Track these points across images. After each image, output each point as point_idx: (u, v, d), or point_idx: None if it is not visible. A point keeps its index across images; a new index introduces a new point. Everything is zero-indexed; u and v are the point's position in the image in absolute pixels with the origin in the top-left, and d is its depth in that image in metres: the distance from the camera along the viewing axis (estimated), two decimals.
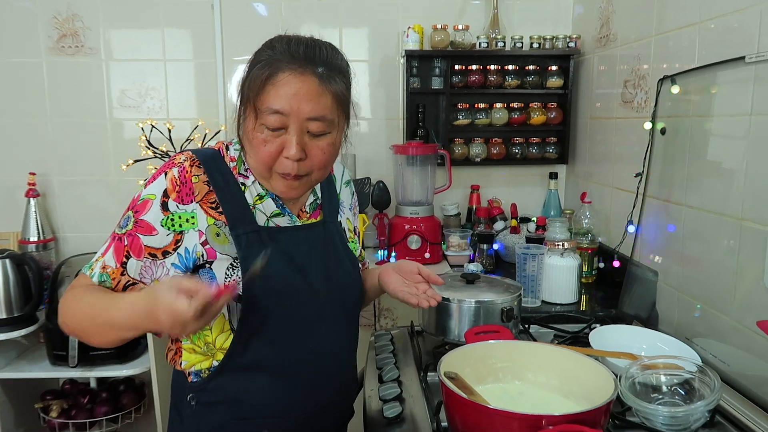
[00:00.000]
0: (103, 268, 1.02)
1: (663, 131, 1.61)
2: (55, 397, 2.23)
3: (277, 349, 1.06)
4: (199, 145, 2.13)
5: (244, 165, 1.08)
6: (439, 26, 2.26)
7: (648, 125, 1.63)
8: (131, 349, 2.15)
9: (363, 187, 2.21)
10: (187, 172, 1.02)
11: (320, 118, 0.98)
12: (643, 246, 1.73)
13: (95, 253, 1.07)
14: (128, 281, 1.02)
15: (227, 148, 1.09)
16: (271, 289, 1.03)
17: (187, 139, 2.16)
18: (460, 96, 2.35)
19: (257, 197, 1.08)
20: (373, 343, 1.50)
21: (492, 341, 1.11)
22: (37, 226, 2.27)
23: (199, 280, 0.92)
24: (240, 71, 1.06)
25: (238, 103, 1.03)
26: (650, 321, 1.61)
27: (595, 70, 2.18)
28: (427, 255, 2.14)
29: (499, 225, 2.33)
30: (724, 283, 1.34)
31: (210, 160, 1.05)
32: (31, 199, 2.26)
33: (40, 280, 2.09)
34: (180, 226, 1.01)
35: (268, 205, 1.08)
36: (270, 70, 0.96)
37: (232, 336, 1.04)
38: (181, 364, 1.08)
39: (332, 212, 1.19)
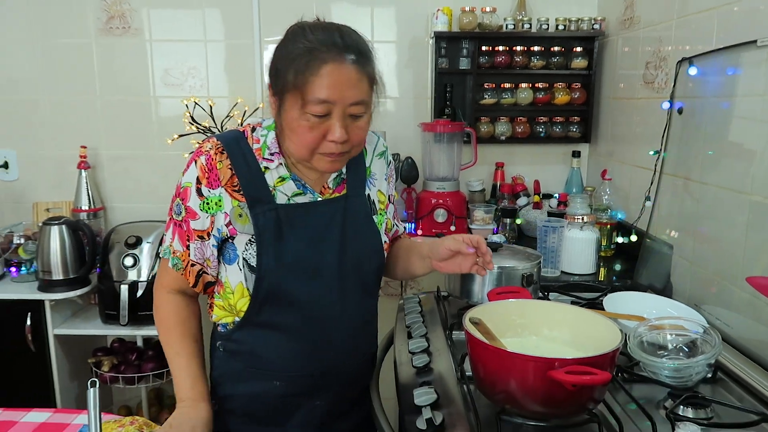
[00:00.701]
0: (173, 253, 1.17)
1: (680, 111, 1.68)
2: (106, 354, 2.41)
3: (288, 314, 1.17)
4: (239, 121, 2.26)
5: (269, 150, 1.15)
6: (467, 8, 2.34)
7: (666, 105, 1.71)
8: None
9: None
10: (212, 159, 1.12)
11: (360, 102, 1.06)
12: (660, 221, 1.81)
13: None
14: (194, 265, 1.17)
15: (253, 130, 1.18)
16: (283, 262, 1.14)
17: (227, 116, 2.29)
18: (486, 76, 2.44)
19: (279, 179, 1.16)
20: (402, 306, 1.62)
21: (511, 300, 1.23)
22: (88, 196, 2.44)
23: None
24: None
25: (276, 92, 1.09)
26: (665, 292, 1.70)
27: (618, 52, 2.24)
28: (452, 228, 2.26)
29: (522, 201, 2.43)
30: (734, 256, 1.43)
31: (234, 145, 1.14)
32: (83, 170, 2.43)
33: (94, 246, 2.26)
34: (211, 209, 1.13)
35: (289, 186, 1.16)
36: (313, 61, 1.02)
37: (249, 301, 1.17)
38: (212, 316, 1.24)
39: (358, 185, 1.25)
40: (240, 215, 1.14)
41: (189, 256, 1.16)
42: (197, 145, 1.20)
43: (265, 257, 1.13)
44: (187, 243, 1.16)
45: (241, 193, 1.13)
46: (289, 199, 1.17)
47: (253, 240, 1.14)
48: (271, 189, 1.15)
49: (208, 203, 1.13)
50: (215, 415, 1.20)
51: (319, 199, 1.20)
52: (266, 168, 1.15)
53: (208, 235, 1.15)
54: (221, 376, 1.24)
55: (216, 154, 1.13)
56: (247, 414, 1.24)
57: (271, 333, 1.18)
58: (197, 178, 1.13)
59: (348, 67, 1.04)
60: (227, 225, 1.15)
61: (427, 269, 1.29)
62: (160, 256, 1.21)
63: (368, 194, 1.28)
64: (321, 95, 1.03)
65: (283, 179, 1.16)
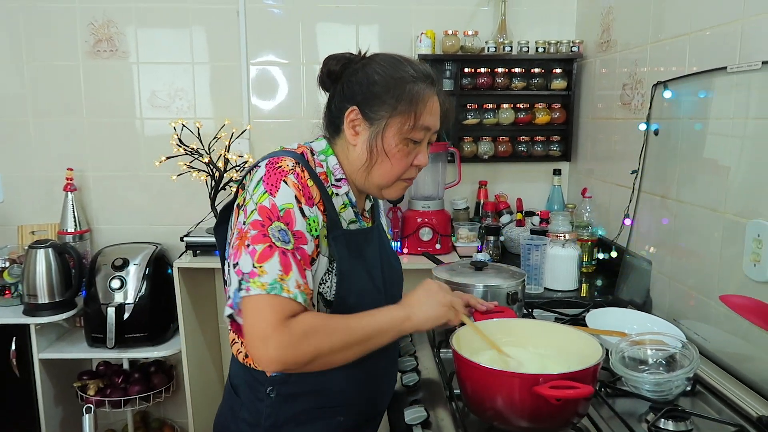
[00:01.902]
0: (298, 286, 0.97)
1: (656, 132, 1.75)
2: (91, 377, 2.39)
3: None
4: (227, 143, 2.29)
5: (334, 175, 1.13)
6: (450, 32, 2.40)
7: (642, 126, 1.77)
8: (162, 332, 2.32)
9: None
10: (301, 176, 1.04)
11: (437, 131, 1.15)
12: (639, 238, 1.87)
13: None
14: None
15: (312, 153, 1.13)
16: (352, 289, 1.10)
17: (215, 137, 2.31)
18: (469, 97, 2.49)
19: (342, 205, 1.13)
20: None
21: (496, 319, 1.26)
22: (74, 218, 2.44)
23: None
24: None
25: (375, 117, 1.09)
26: (644, 306, 1.75)
27: (596, 73, 2.32)
28: (437, 246, 2.29)
29: (505, 218, 2.48)
30: (710, 271, 1.48)
31: (308, 165, 1.08)
32: (69, 193, 2.43)
33: (80, 268, 2.26)
34: (314, 231, 1.04)
35: (348, 214, 1.14)
36: (424, 89, 1.09)
37: None
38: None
39: (378, 216, 1.28)
40: (325, 236, 1.08)
41: (309, 287, 1.00)
42: (273, 163, 1.05)
43: (339, 288, 1.08)
44: (306, 274, 1.00)
45: (324, 213, 1.08)
46: (348, 225, 1.14)
47: (330, 270, 1.08)
48: (338, 213, 1.12)
49: (310, 225, 1.03)
50: None
51: (366, 226, 1.19)
52: (334, 193, 1.12)
53: (313, 261, 1.05)
54: (274, 425, 1.10)
55: (302, 171, 1.05)
56: None
57: (336, 368, 1.05)
58: (296, 197, 1.02)
59: (437, 99, 1.13)
60: (316, 244, 1.06)
61: None
62: (265, 291, 0.94)
63: (382, 223, 1.31)
64: (427, 122, 1.11)
65: (344, 206, 1.14)
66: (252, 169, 1.09)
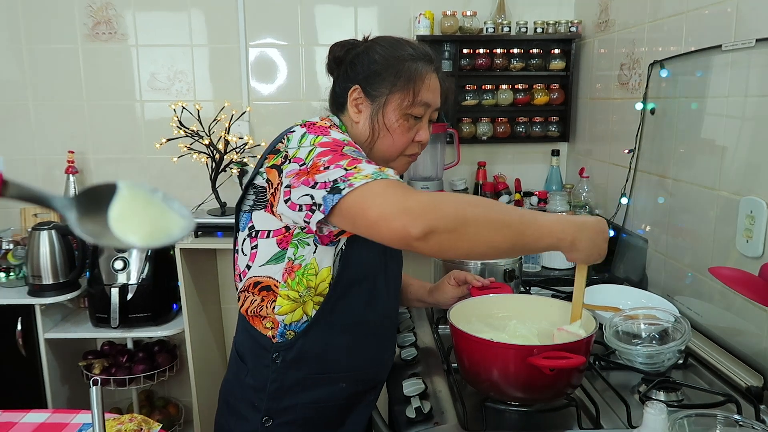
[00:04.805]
0: (381, 169, 0.95)
1: (653, 111, 1.76)
2: (96, 357, 2.43)
3: (353, 311, 1.15)
4: (226, 125, 2.30)
5: None
6: (448, 12, 2.40)
7: (639, 106, 1.79)
8: (166, 312, 2.35)
9: None
10: (338, 129, 1.11)
11: (437, 108, 1.20)
12: (635, 216, 1.89)
13: None
14: None
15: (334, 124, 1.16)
16: (364, 257, 1.13)
17: (215, 119, 2.32)
18: (467, 78, 2.50)
19: None
20: None
21: (493, 295, 1.29)
22: None
23: None
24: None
25: (376, 94, 1.14)
26: (641, 284, 1.78)
27: (595, 54, 2.32)
28: None
29: (504, 199, 2.50)
30: (705, 249, 1.51)
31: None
32: (70, 175, 2.45)
33: (83, 249, 2.29)
34: None
35: None
36: (422, 67, 1.14)
37: (328, 286, 1.11)
38: (274, 309, 1.12)
39: None
40: None
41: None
42: (295, 123, 1.10)
43: (357, 247, 1.11)
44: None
45: None
46: None
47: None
48: None
49: None
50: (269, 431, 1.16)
51: None
52: None
53: None
54: (280, 389, 1.15)
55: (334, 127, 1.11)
56: (307, 422, 1.17)
57: (339, 333, 1.15)
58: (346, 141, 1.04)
59: (437, 77, 1.19)
60: None
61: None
62: (369, 179, 0.92)
63: None
64: (426, 98, 1.15)
65: None
66: (282, 138, 1.09)
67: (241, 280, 1.17)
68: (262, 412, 1.15)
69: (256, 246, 1.13)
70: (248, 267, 1.15)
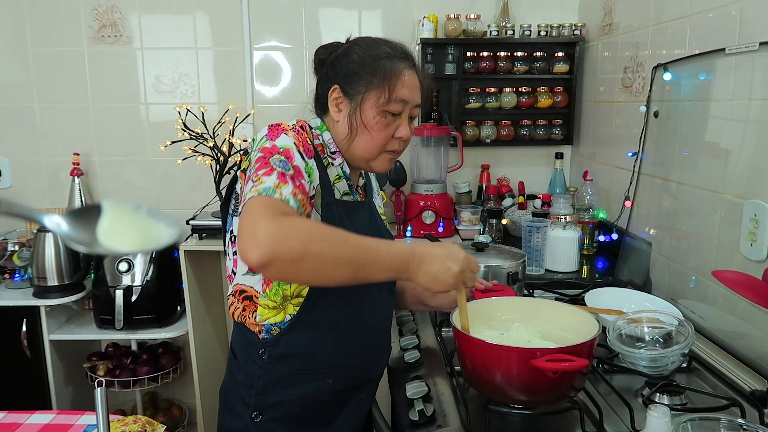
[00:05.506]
0: (294, 194, 1.00)
1: (656, 114, 1.76)
2: (100, 359, 2.44)
3: (339, 309, 1.17)
4: (231, 128, 2.31)
5: (329, 148, 1.20)
6: (452, 15, 2.40)
7: (642, 109, 1.79)
8: (170, 314, 2.36)
9: None
10: (301, 134, 1.12)
11: (419, 105, 1.21)
12: (639, 220, 1.89)
13: None
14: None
15: (309, 127, 1.19)
16: None
17: (219, 122, 2.33)
18: (471, 81, 2.50)
19: (336, 177, 1.20)
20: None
21: (496, 298, 1.29)
22: (81, 202, 2.47)
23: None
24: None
25: (353, 92, 1.16)
26: (644, 288, 1.77)
27: (598, 57, 2.32)
28: (440, 229, 2.32)
29: (507, 202, 2.50)
30: (709, 252, 1.50)
31: (308, 130, 1.17)
32: (76, 177, 2.46)
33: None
34: (311, 177, 1.09)
35: (342, 185, 1.21)
36: (398, 64, 1.16)
37: (307, 289, 1.14)
38: (255, 318, 1.15)
39: (371, 193, 1.33)
40: (317, 196, 1.14)
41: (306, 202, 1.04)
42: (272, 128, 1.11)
43: None
44: (302, 189, 1.03)
45: (318, 174, 1.13)
46: (342, 196, 1.21)
47: None
48: (331, 183, 1.18)
49: (308, 170, 1.08)
50: (257, 427, 1.17)
51: (359, 200, 1.26)
52: (330, 164, 1.19)
53: (309, 201, 1.08)
54: (267, 385, 1.16)
55: (303, 130, 1.14)
56: (295, 419, 1.18)
57: (324, 329, 1.16)
58: (294, 144, 1.08)
59: (415, 73, 1.20)
60: (311, 199, 1.10)
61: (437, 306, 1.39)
62: (259, 193, 0.97)
63: (375, 202, 1.35)
64: (402, 95, 1.16)
65: (339, 177, 1.21)
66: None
67: (230, 283, 1.22)
68: (251, 407, 1.17)
69: (236, 252, 1.16)
70: (233, 272, 1.21)
